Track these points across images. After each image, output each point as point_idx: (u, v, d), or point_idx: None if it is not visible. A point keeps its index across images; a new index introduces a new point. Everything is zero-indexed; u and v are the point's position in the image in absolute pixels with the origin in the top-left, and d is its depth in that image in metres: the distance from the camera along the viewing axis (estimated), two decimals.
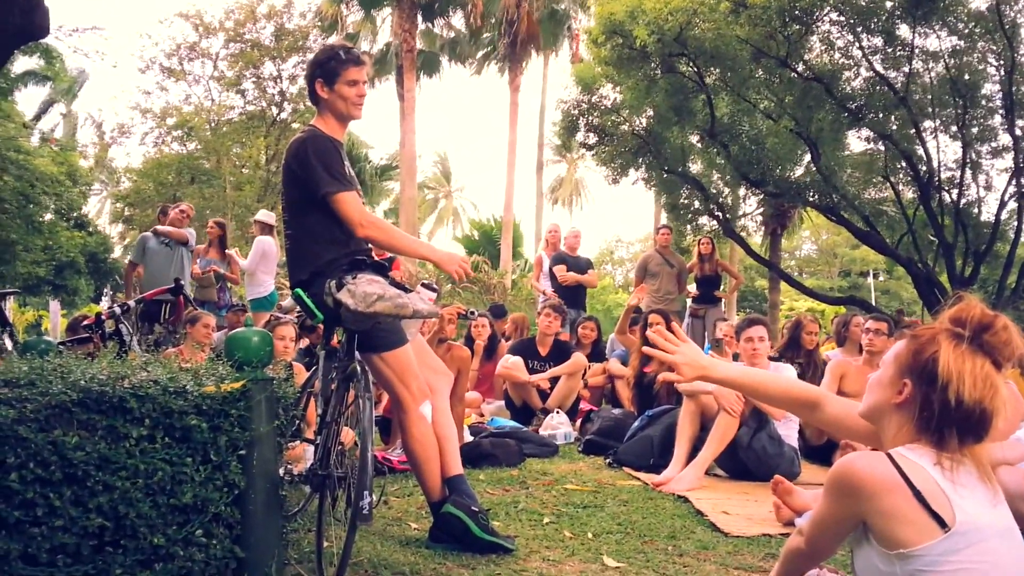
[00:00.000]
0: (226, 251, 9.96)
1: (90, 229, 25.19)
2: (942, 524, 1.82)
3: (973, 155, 13.60)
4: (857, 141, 14.52)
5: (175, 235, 8.80)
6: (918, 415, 1.97)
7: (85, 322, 6.79)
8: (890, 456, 1.93)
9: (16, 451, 2.56)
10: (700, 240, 11.53)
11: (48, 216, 22.78)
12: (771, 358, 6.02)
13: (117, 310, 6.50)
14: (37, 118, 30.93)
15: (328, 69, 3.51)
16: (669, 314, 7.09)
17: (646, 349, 2.46)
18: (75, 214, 24.31)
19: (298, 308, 3.65)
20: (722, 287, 11.41)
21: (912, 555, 1.83)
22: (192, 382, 2.89)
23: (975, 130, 13.33)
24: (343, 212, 3.37)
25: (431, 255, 3.54)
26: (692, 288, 11.14)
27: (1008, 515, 1.94)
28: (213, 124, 24.38)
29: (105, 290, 26.74)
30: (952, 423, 1.92)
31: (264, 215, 10.34)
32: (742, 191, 16.17)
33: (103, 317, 6.51)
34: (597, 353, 8.58)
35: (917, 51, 12.74)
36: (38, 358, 2.89)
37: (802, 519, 3.86)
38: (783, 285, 21.82)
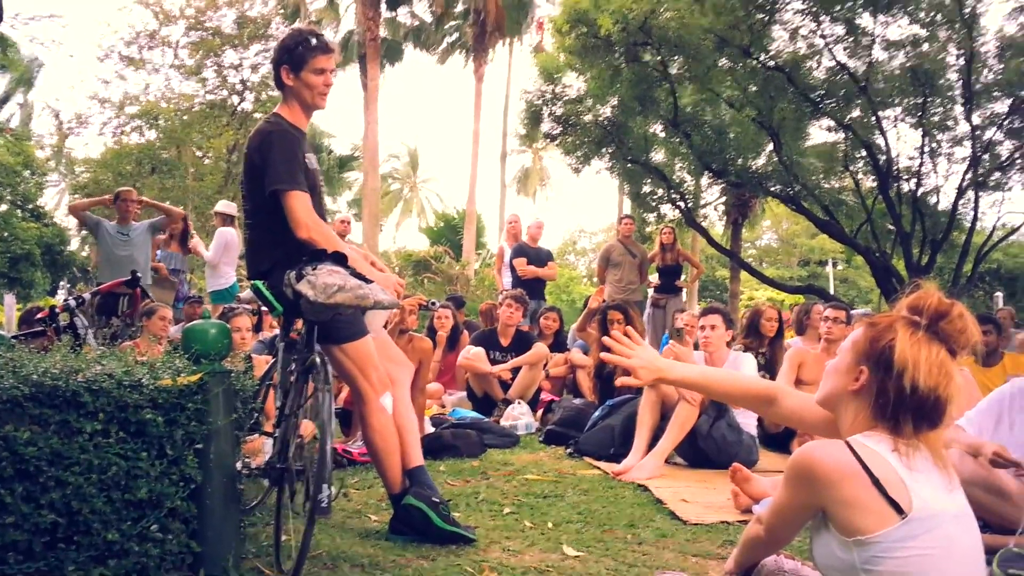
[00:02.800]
0: (188, 245, 9.84)
1: (46, 221, 24.75)
2: (899, 511, 1.85)
3: (933, 144, 13.77)
4: (818, 131, 14.69)
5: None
6: (874, 402, 1.99)
7: (39, 315, 6.67)
8: (848, 444, 1.95)
9: None
10: (662, 230, 11.57)
11: (3, 207, 22.38)
12: (733, 347, 6.07)
13: (72, 303, 6.40)
14: None
15: (296, 55, 3.45)
16: (628, 307, 7.11)
17: (604, 356, 2.46)
18: (31, 205, 23.87)
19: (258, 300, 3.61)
20: (683, 277, 11.48)
21: (869, 542, 1.86)
22: (148, 375, 2.86)
23: (935, 119, 13.50)
24: (290, 210, 3.30)
25: (357, 267, 3.34)
26: (654, 278, 11.20)
27: (963, 500, 1.98)
28: (174, 113, 24.05)
29: (61, 283, 26.33)
30: (907, 410, 1.95)
31: (224, 206, 10.24)
32: (704, 181, 16.26)
33: (57, 310, 6.41)
34: (559, 343, 8.59)
35: (878, 40, 12.88)
36: None
37: (760, 506, 3.91)
38: (744, 275, 22.02)
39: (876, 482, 1.87)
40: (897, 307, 2.07)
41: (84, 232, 25.83)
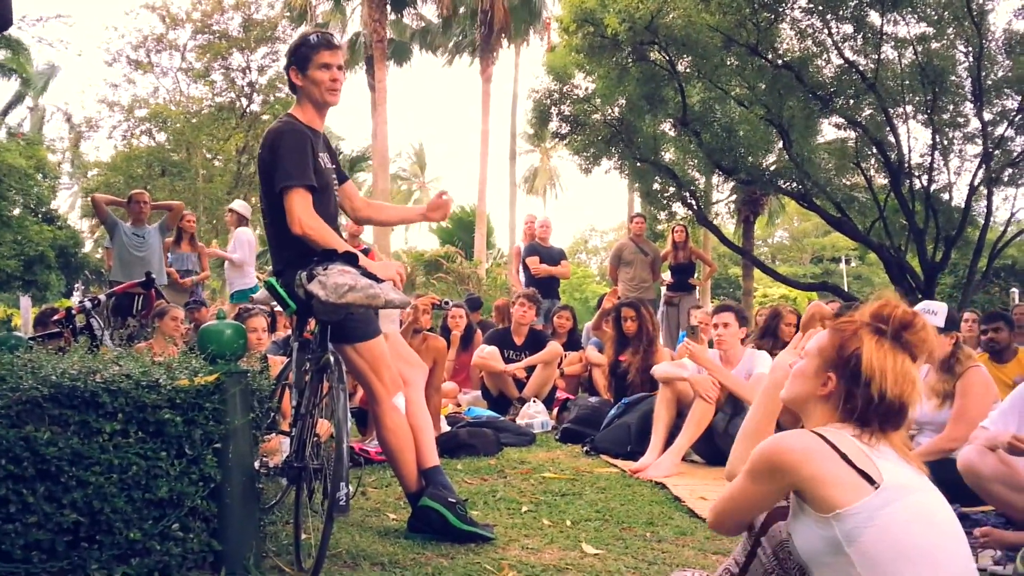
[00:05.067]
0: (196, 246, 9.86)
1: (59, 223, 24.84)
2: (871, 481, 1.91)
3: (944, 141, 13.71)
4: (829, 128, 14.63)
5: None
6: (842, 406, 2.07)
7: (55, 317, 6.70)
8: (812, 431, 2.04)
9: None
10: (674, 228, 11.53)
11: (17, 211, 22.47)
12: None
13: (88, 304, 6.43)
14: (5, 112, 30.51)
15: (300, 55, 3.46)
16: (641, 305, 7.09)
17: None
18: (44, 208, 23.97)
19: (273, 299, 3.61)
20: (696, 275, 11.45)
21: (848, 514, 1.90)
22: (165, 376, 2.87)
23: (945, 116, 13.43)
24: (288, 205, 3.30)
25: (366, 267, 3.32)
26: (666, 276, 11.17)
27: (931, 484, 2.03)
28: (183, 116, 24.15)
29: (76, 285, 26.43)
30: (875, 414, 2.02)
31: (240, 205, 10.27)
32: (715, 179, 16.22)
33: (73, 312, 6.43)
34: (573, 342, 8.58)
35: (887, 38, 12.82)
36: (8, 354, 2.86)
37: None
38: (756, 272, 21.95)
39: (844, 456, 1.94)
40: (860, 313, 2.13)
41: (97, 234, 25.94)
